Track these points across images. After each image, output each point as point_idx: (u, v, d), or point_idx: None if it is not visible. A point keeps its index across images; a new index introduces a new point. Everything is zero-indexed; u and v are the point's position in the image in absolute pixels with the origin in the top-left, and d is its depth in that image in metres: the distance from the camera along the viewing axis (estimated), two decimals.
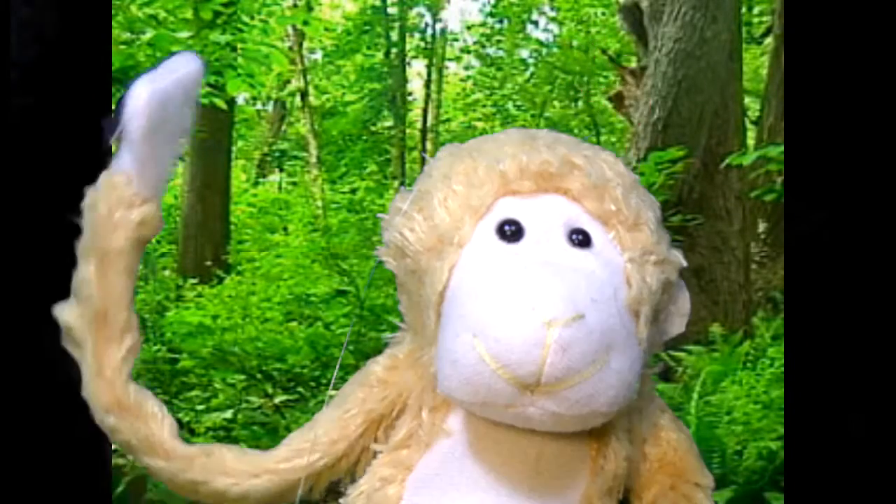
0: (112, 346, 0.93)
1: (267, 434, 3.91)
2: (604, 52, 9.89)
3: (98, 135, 0.93)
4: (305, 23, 6.29)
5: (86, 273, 0.93)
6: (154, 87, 0.92)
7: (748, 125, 6.48)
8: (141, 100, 0.91)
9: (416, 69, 16.02)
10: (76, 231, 0.94)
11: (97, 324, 0.93)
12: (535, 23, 14.75)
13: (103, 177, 0.94)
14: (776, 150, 3.40)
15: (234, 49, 4.91)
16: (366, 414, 0.97)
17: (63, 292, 0.94)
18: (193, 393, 5.12)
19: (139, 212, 0.93)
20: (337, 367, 1.16)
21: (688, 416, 3.23)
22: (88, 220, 0.94)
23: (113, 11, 4.40)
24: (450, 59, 15.98)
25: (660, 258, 0.94)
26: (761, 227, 5.92)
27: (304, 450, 0.97)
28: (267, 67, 5.49)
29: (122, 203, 0.93)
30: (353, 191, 12.03)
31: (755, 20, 10.37)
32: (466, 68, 15.83)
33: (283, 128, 15.15)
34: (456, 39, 15.87)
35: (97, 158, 1.08)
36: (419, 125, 14.68)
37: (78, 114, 1.12)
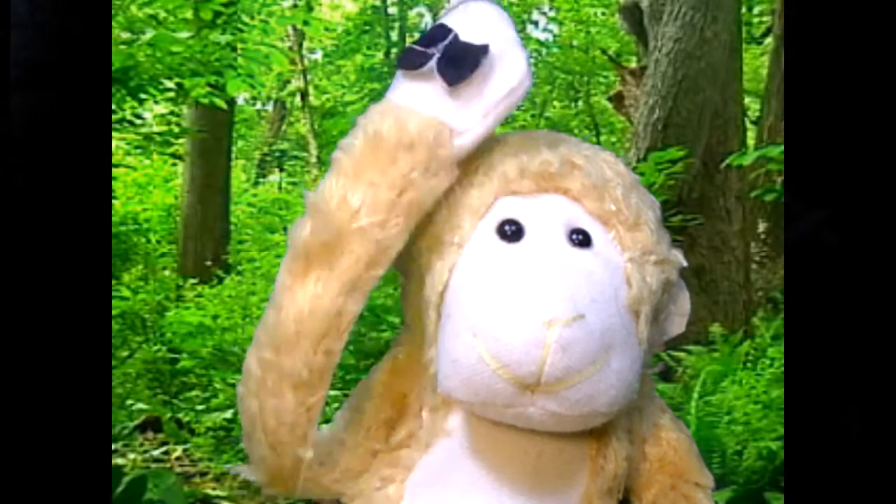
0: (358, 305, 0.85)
1: None
2: (604, 52, 9.89)
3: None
4: (305, 23, 6.28)
5: (373, 201, 0.83)
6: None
7: (748, 125, 6.48)
8: (522, 74, 0.86)
9: None
10: (76, 230, 0.93)
11: (369, 265, 0.84)
12: (535, 23, 14.75)
13: (425, 119, 0.85)
14: (776, 150, 3.39)
15: (234, 49, 4.91)
16: (383, 423, 0.97)
17: (63, 291, 0.93)
18: (193, 393, 5.13)
19: (450, 177, 0.87)
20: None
21: (688, 416, 3.22)
22: (391, 153, 0.84)
23: (113, 11, 4.40)
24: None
25: (660, 258, 0.94)
26: (761, 227, 5.92)
27: (349, 474, 0.96)
28: (267, 67, 5.49)
29: (444, 162, 0.86)
30: None
31: (755, 20, 10.36)
32: None
33: (283, 128, 15.16)
34: None
35: (97, 158, 1.08)
36: None
37: (78, 114, 1.12)
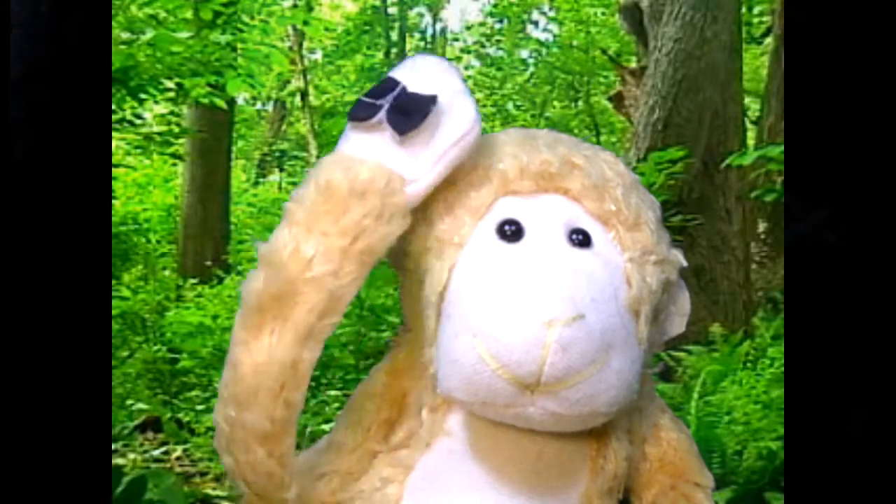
0: (312, 349, 0.84)
1: None
2: (604, 52, 9.89)
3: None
4: (305, 23, 6.31)
5: (325, 250, 0.82)
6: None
7: (748, 125, 6.48)
8: (471, 121, 0.87)
9: None
10: (76, 230, 0.93)
11: (323, 315, 0.83)
12: (535, 23, 14.77)
13: (376, 167, 0.85)
14: (776, 150, 3.40)
15: (234, 49, 4.92)
16: (383, 423, 0.97)
17: (63, 292, 0.93)
18: (193, 393, 5.13)
19: (402, 224, 0.86)
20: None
21: (688, 416, 3.22)
22: (343, 202, 0.84)
23: (113, 11, 4.41)
24: (450, 59, 15.98)
25: (660, 258, 0.94)
26: (761, 227, 5.92)
27: (350, 478, 0.96)
28: (267, 67, 5.50)
29: (396, 209, 0.85)
30: None
31: (755, 20, 10.36)
32: (466, 68, 15.84)
33: (283, 128, 15.16)
34: (456, 39, 15.90)
35: (97, 158, 1.08)
36: None
37: (78, 114, 1.12)
